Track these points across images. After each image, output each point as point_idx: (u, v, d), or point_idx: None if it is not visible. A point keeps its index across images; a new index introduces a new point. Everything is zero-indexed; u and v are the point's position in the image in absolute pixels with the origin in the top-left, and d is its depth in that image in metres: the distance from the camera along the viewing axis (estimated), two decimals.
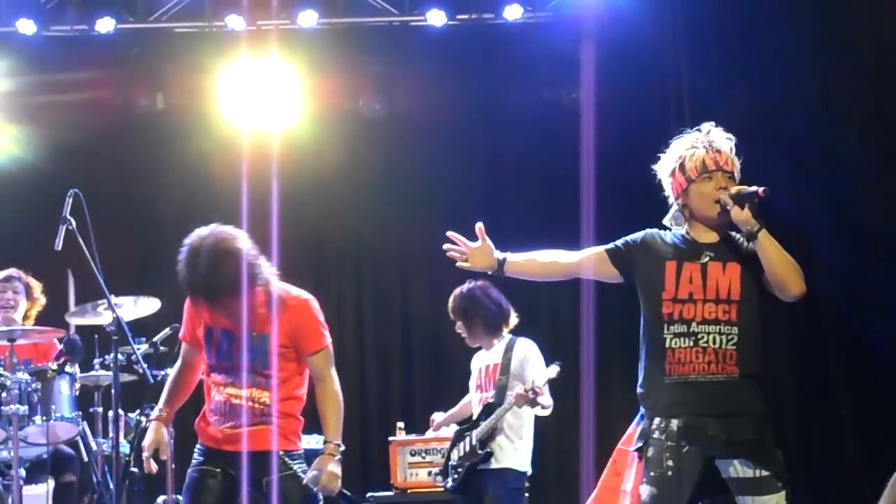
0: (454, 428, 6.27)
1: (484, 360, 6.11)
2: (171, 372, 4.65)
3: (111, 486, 6.06)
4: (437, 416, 6.54)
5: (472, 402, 6.17)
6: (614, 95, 7.76)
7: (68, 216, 5.60)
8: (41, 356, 6.51)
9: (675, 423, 3.86)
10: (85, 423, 6.35)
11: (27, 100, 8.35)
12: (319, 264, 8.74)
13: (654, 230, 4.08)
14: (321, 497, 4.41)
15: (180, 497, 4.66)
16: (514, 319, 6.08)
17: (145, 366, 5.79)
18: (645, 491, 3.87)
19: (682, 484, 3.82)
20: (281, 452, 4.34)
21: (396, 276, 8.73)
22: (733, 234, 4.00)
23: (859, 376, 7.68)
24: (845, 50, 7.64)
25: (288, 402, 4.40)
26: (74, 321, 6.65)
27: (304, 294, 4.46)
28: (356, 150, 8.54)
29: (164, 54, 8.50)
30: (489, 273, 4.17)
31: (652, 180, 4.11)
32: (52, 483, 6.27)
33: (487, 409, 5.93)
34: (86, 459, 6.40)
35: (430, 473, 6.63)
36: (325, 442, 4.39)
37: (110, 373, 5.79)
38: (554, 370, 5.78)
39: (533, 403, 5.73)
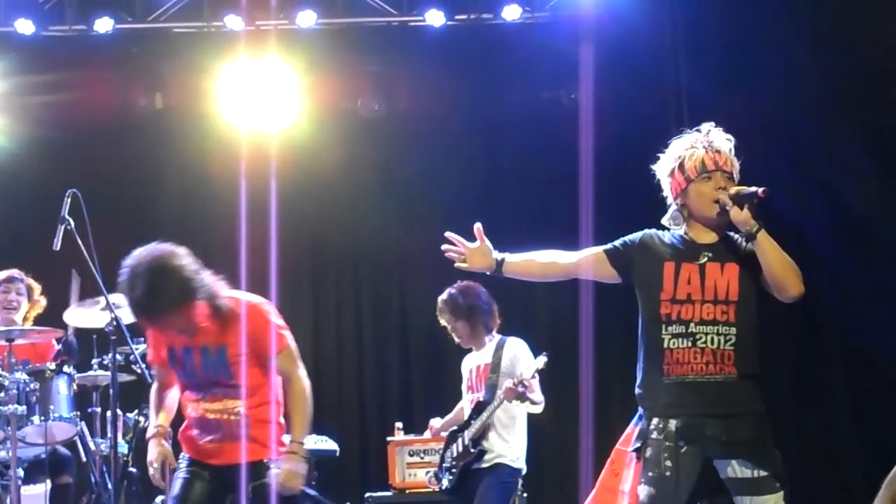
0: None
1: (475, 361, 6.12)
2: (152, 394, 4.64)
3: (109, 486, 6.05)
4: (435, 423, 6.53)
5: (464, 403, 6.17)
6: (613, 96, 7.76)
7: (67, 216, 5.60)
8: (39, 356, 6.51)
9: (673, 424, 3.86)
10: (83, 423, 6.35)
11: (26, 99, 8.34)
12: (318, 265, 8.74)
13: (653, 230, 4.08)
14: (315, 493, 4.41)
15: None
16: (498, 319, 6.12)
17: (143, 366, 5.77)
18: (643, 491, 3.87)
19: (680, 484, 3.82)
20: (266, 461, 4.33)
21: (395, 276, 8.73)
22: (732, 234, 4.00)
23: (858, 377, 7.68)
24: (844, 50, 7.64)
25: (262, 409, 4.38)
26: (73, 321, 6.64)
27: (256, 299, 4.42)
28: (355, 150, 8.54)
29: (162, 54, 8.50)
30: (487, 274, 4.17)
31: (650, 180, 4.11)
32: (50, 484, 6.26)
33: (478, 408, 5.95)
34: (84, 459, 6.40)
35: (428, 474, 6.63)
36: (291, 441, 4.36)
37: (108, 373, 5.79)
38: (541, 361, 5.78)
39: (523, 398, 5.73)
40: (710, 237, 3.99)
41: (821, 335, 7.91)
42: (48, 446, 6.09)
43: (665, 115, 7.87)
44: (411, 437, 7.00)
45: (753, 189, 3.85)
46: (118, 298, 5.96)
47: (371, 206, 8.54)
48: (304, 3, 8.24)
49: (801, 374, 7.98)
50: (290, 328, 4.53)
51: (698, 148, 3.98)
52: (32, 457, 6.21)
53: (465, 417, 6.05)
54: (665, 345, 3.90)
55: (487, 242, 4.13)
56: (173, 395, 4.56)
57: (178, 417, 4.58)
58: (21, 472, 5.93)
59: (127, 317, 6.03)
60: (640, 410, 4.00)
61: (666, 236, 4.05)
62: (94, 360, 6.58)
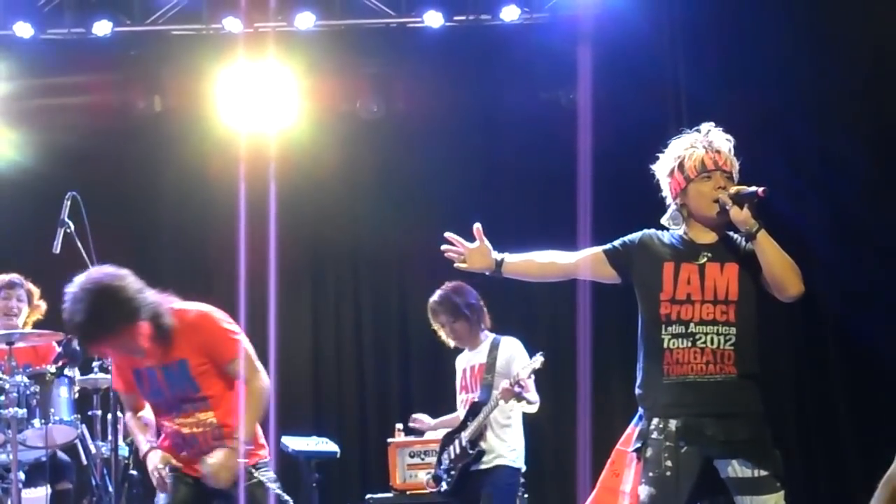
0: (443, 432, 6.27)
1: (469, 361, 6.11)
2: (127, 419, 4.65)
3: (110, 488, 6.04)
4: (423, 417, 6.54)
5: (459, 404, 6.17)
6: (611, 96, 7.76)
7: (66, 219, 5.60)
8: (40, 359, 6.50)
9: (673, 424, 3.86)
10: (84, 426, 6.34)
11: (24, 103, 8.34)
12: (317, 266, 8.75)
13: (652, 230, 4.09)
14: (289, 500, 4.41)
15: None
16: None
17: None
18: (644, 491, 3.88)
19: (680, 484, 3.82)
20: (248, 467, 4.34)
21: (394, 278, 8.73)
22: (731, 234, 4.01)
23: (857, 376, 7.67)
24: (842, 51, 7.63)
25: (235, 416, 4.37)
26: None
27: (203, 308, 4.41)
28: (354, 151, 8.54)
29: (161, 57, 8.50)
30: (487, 274, 4.18)
31: (649, 181, 4.11)
32: (49, 489, 6.26)
33: (473, 409, 5.93)
34: (84, 463, 6.40)
35: (428, 475, 6.62)
36: (234, 438, 4.32)
37: (109, 376, 5.78)
38: (538, 361, 5.75)
39: (519, 398, 5.71)
40: (709, 237, 3.99)
41: (820, 335, 7.91)
42: (49, 450, 6.08)
43: (663, 115, 7.86)
44: (412, 438, 6.99)
45: (753, 189, 3.86)
46: None
47: (370, 208, 8.55)
48: (303, 5, 8.24)
49: (800, 373, 7.98)
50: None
51: (698, 147, 3.99)
52: (33, 460, 6.20)
53: (461, 418, 6.04)
54: (665, 345, 3.90)
55: (487, 242, 4.14)
56: (148, 414, 4.57)
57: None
58: (22, 476, 5.93)
59: None
60: (640, 411, 4.00)
61: (665, 236, 4.05)
62: (95, 363, 6.57)
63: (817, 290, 6.70)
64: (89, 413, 6.55)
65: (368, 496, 6.91)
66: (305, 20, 8.25)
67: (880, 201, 7.46)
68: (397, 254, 8.63)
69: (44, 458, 6.15)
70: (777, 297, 3.92)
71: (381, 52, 8.57)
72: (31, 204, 7.97)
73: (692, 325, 3.89)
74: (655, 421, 3.90)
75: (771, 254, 3.85)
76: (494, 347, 5.99)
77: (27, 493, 6.15)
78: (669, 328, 3.90)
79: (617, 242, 4.08)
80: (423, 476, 6.65)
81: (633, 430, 4.05)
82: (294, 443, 7.16)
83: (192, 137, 8.42)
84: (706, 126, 4.06)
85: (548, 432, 7.72)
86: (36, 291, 6.73)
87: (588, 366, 7.01)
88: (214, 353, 4.32)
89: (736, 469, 3.85)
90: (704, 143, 3.99)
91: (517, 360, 5.92)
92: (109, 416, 5.89)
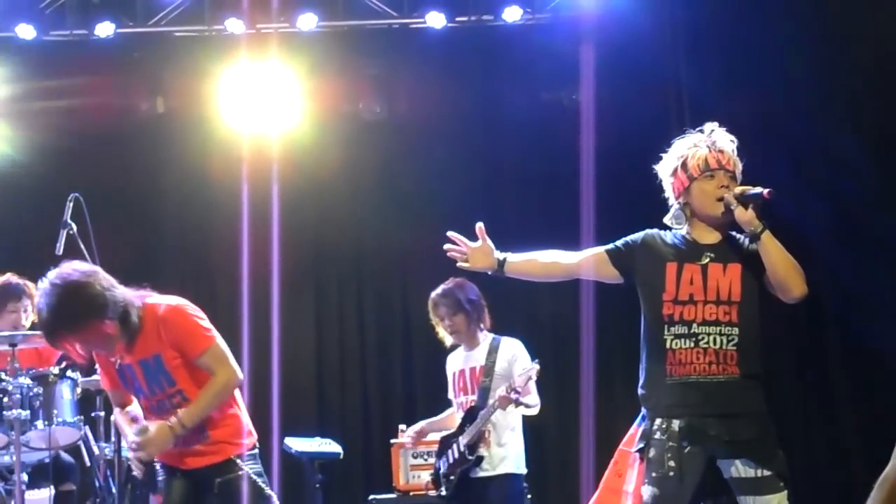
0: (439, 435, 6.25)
1: (466, 362, 6.06)
2: (115, 416, 4.65)
3: (113, 490, 6.05)
4: (414, 428, 6.46)
5: (456, 405, 6.13)
6: (614, 97, 7.76)
7: (69, 221, 5.60)
8: (43, 361, 6.50)
9: (676, 424, 3.86)
10: (87, 427, 6.34)
11: (27, 105, 8.34)
12: (320, 267, 8.74)
13: (655, 230, 4.09)
14: (272, 494, 4.41)
15: None
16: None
17: None
18: (647, 492, 3.88)
19: (683, 484, 3.83)
20: (233, 457, 4.35)
21: (397, 278, 8.72)
22: (734, 234, 4.01)
23: (860, 377, 7.67)
24: (844, 51, 7.63)
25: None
26: None
27: (174, 301, 4.39)
28: (356, 152, 8.54)
29: (163, 58, 8.50)
30: (489, 273, 4.18)
31: (652, 181, 4.11)
32: (53, 490, 6.27)
33: (471, 414, 5.89)
34: (88, 464, 6.40)
35: (430, 475, 6.62)
36: (177, 416, 4.28)
37: None
38: (534, 371, 5.67)
39: (517, 404, 5.67)
40: (712, 237, 3.99)
41: (823, 335, 7.91)
42: (52, 451, 6.09)
43: (666, 115, 7.86)
44: None
45: (759, 190, 3.86)
46: None
47: (373, 209, 8.54)
48: (305, 6, 8.24)
49: (803, 373, 7.98)
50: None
51: (701, 147, 4.00)
52: (36, 461, 6.21)
53: (458, 422, 6.01)
54: (668, 345, 3.91)
55: (489, 242, 4.14)
56: (135, 408, 4.55)
57: None
58: (25, 477, 5.93)
59: None
60: (643, 411, 4.00)
61: (668, 236, 4.05)
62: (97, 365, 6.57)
63: (820, 291, 6.69)
64: (92, 414, 6.55)
65: (372, 497, 6.91)
66: (308, 21, 8.24)
67: (883, 202, 7.45)
68: (400, 254, 8.62)
69: (47, 460, 6.15)
70: (780, 298, 3.92)
71: (383, 52, 8.57)
72: (33, 205, 7.96)
73: (695, 325, 3.89)
74: (658, 421, 3.90)
75: (775, 255, 3.85)
76: (494, 349, 5.95)
77: (30, 495, 6.15)
78: (672, 328, 3.90)
79: (619, 242, 4.09)
80: (426, 477, 6.64)
81: (635, 430, 4.05)
82: (297, 444, 7.16)
83: (195, 139, 8.42)
84: (709, 126, 4.06)
85: (551, 433, 7.72)
86: (36, 294, 6.70)
87: (591, 366, 7.01)
88: (184, 347, 4.30)
89: (739, 469, 3.85)
90: (708, 143, 4.00)
91: (519, 361, 5.88)
92: (112, 417, 5.88)
